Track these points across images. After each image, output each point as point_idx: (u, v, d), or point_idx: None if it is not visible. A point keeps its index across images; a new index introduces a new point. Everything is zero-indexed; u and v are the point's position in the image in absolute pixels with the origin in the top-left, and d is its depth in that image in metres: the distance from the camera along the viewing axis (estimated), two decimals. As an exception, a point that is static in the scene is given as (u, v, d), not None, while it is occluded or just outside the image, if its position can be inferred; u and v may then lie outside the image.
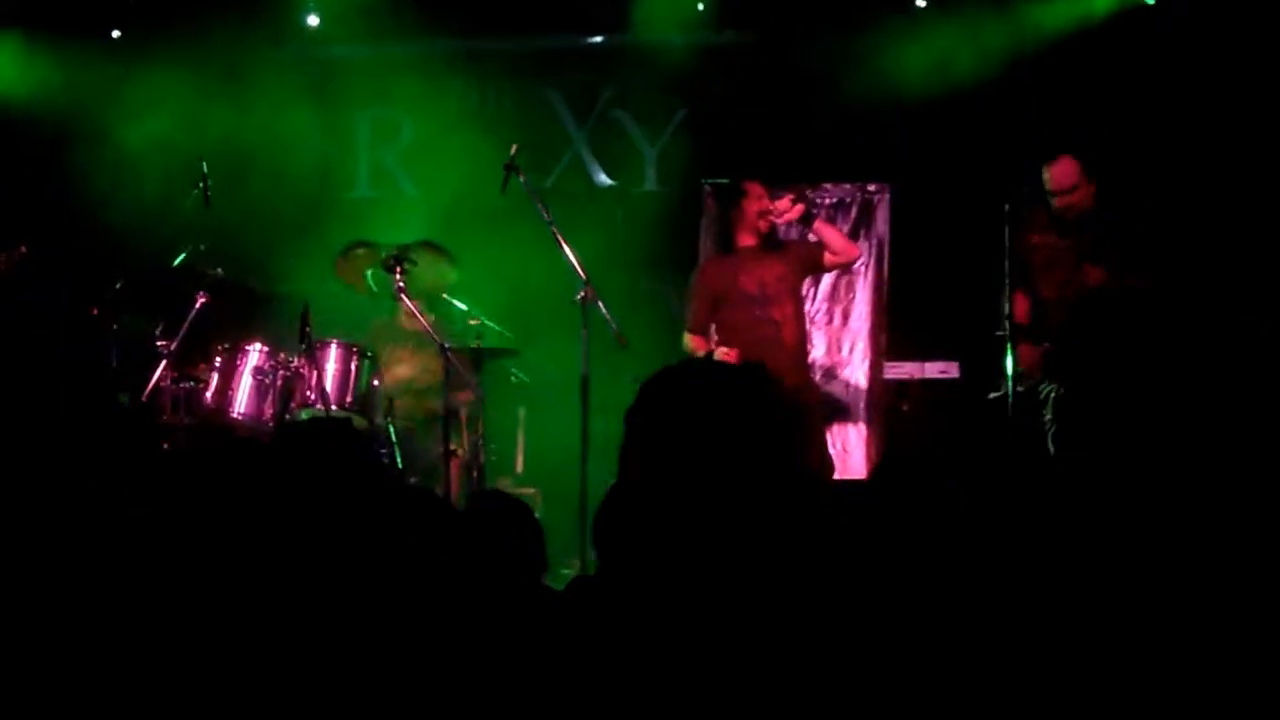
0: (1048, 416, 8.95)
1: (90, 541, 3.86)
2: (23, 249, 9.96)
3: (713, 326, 9.60)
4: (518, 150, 9.59)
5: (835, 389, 11.60)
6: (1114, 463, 8.58)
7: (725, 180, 10.12)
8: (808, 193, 11.62)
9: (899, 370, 11.20)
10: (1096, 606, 4.17)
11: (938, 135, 11.47)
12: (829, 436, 11.06)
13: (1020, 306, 9.06)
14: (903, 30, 11.75)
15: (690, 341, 9.51)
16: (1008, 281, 8.59)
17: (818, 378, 11.20)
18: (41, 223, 10.94)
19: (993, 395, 9.39)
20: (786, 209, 9.36)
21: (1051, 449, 8.88)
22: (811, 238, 9.73)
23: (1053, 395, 8.93)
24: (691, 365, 3.24)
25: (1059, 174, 9.05)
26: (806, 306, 10.78)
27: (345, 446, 3.49)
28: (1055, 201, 9.06)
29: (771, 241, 9.47)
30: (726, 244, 9.50)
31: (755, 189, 9.45)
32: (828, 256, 9.48)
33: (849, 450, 11.43)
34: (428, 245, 9.84)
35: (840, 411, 11.58)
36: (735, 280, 9.30)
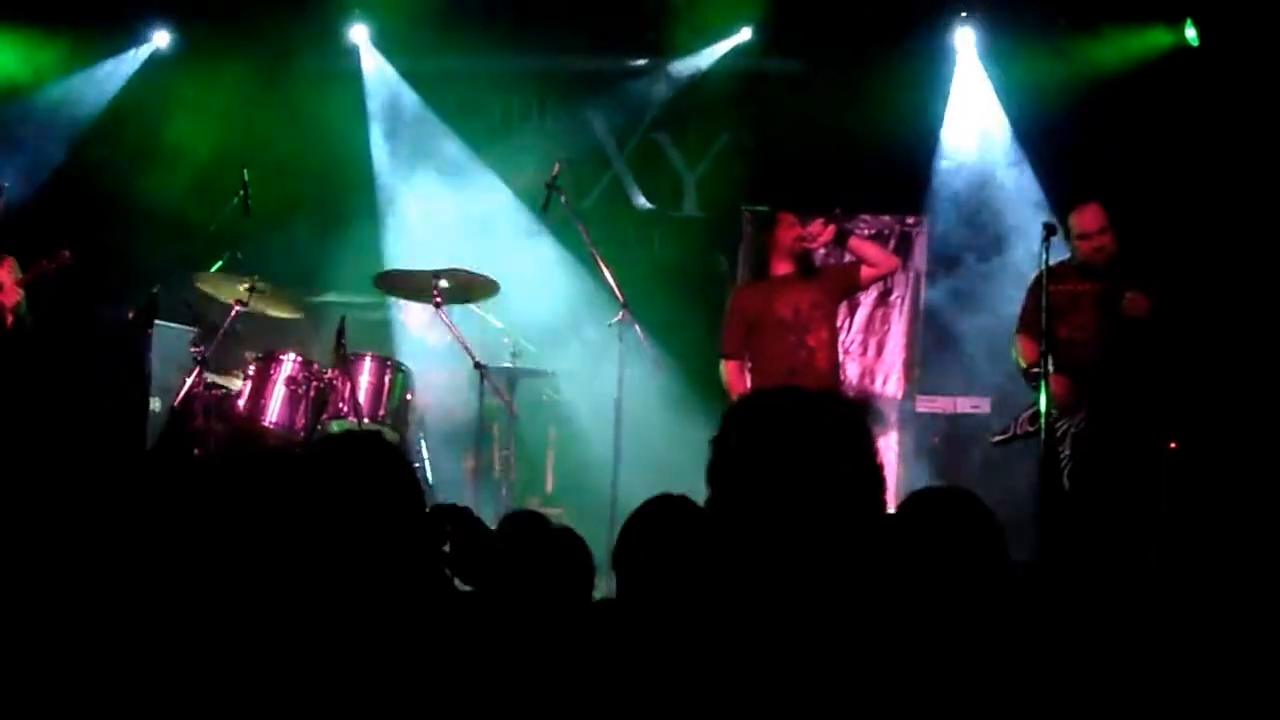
0: (1065, 452, 8.92)
1: (116, 545, 3.87)
2: (65, 254, 10.02)
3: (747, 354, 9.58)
4: (560, 170, 9.59)
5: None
6: (1131, 499, 8.58)
7: (764, 208, 10.09)
8: (845, 224, 11.62)
9: (931, 404, 11.19)
10: (1122, 648, 4.16)
11: (978, 169, 11.49)
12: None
13: (1027, 349, 9.06)
14: (948, 64, 11.78)
15: (727, 368, 9.45)
16: (1042, 320, 8.57)
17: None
18: (80, 227, 10.98)
19: (997, 438, 9.39)
20: (819, 231, 9.32)
21: (1067, 484, 8.85)
22: (847, 257, 9.71)
23: (1071, 431, 8.90)
24: (791, 392, 3.22)
25: (1087, 218, 9.02)
26: (841, 337, 10.78)
27: (382, 461, 3.49)
28: (1082, 245, 9.02)
29: (807, 268, 9.42)
30: (763, 271, 9.46)
31: (787, 217, 9.40)
32: (866, 270, 9.40)
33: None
34: (466, 274, 9.81)
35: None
36: (770, 306, 9.24)
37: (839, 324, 10.08)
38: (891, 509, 3.93)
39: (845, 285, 9.49)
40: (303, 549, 3.38)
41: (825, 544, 2.96)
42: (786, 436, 3.03)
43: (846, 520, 2.98)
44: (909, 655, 3.09)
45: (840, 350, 9.70)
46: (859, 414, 3.14)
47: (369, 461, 3.51)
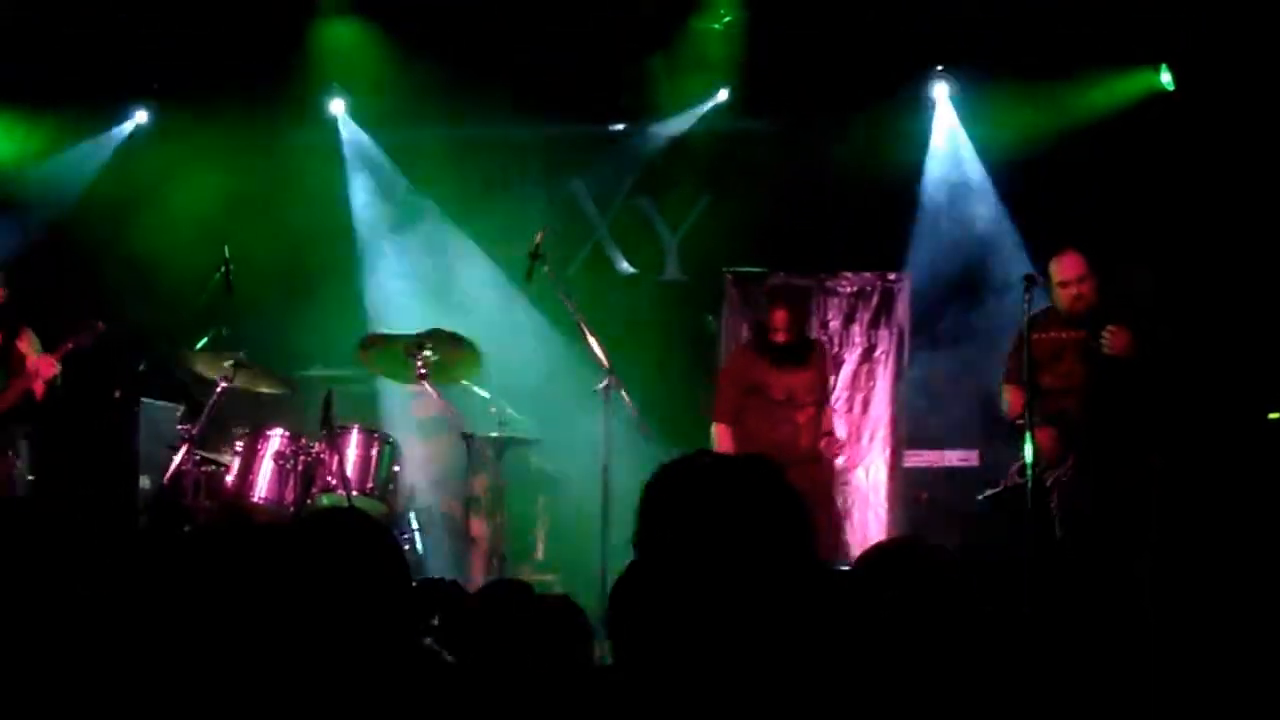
0: (1054, 502, 8.91)
1: (106, 623, 3.86)
2: (99, 324, 10.04)
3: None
4: (542, 238, 9.62)
5: (855, 477, 11.57)
6: (1123, 554, 8.57)
7: (759, 269, 10.15)
8: (827, 282, 11.68)
9: (919, 458, 11.20)
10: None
11: (958, 221, 11.52)
12: (849, 524, 11.06)
13: (1014, 400, 9.06)
14: (926, 118, 11.83)
15: (718, 432, 9.49)
16: (1024, 371, 8.59)
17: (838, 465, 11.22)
18: (65, 304, 10.98)
19: (988, 493, 9.38)
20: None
21: (1059, 533, 8.84)
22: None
23: (1061, 480, 8.89)
24: (695, 459, 3.27)
25: (1066, 266, 9.02)
26: (828, 396, 10.83)
27: (364, 537, 3.49)
28: (1063, 294, 9.02)
29: (806, 340, 9.54)
30: (763, 333, 9.50)
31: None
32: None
33: (869, 539, 11.38)
34: (449, 335, 9.82)
35: (860, 500, 11.55)
36: (765, 382, 9.36)
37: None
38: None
39: (825, 385, 9.66)
40: (287, 627, 3.38)
41: (757, 598, 3.00)
42: (699, 503, 3.09)
43: (773, 573, 3.03)
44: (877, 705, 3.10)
45: (828, 415, 9.72)
46: (772, 472, 3.18)
47: (351, 539, 3.51)
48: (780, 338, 9.40)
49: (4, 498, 9.57)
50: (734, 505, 3.05)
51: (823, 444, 9.49)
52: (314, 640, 3.34)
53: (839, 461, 10.58)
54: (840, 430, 11.25)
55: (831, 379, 10.32)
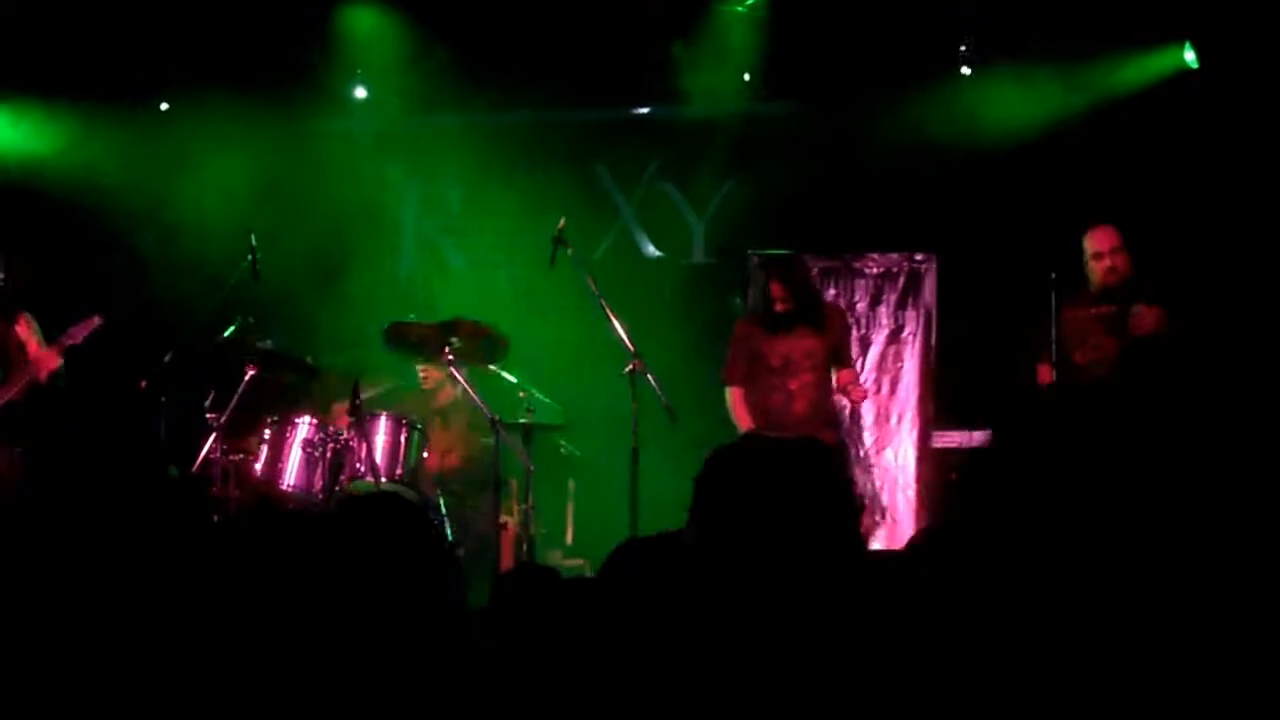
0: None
1: (138, 613, 3.86)
2: (97, 319, 10.00)
3: None
4: (565, 224, 9.62)
5: (884, 459, 11.56)
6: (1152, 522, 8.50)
7: (776, 251, 10.11)
8: (853, 263, 11.66)
9: (947, 439, 11.16)
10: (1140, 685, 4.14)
11: (985, 202, 11.46)
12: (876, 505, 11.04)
13: (1044, 377, 9.03)
14: (949, 98, 11.77)
15: (731, 396, 9.52)
16: (1054, 348, 8.56)
17: (866, 446, 11.20)
18: (91, 295, 10.98)
19: None
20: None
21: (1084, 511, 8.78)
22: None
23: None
24: (747, 444, 3.28)
25: (1100, 238, 9.03)
26: (856, 376, 10.79)
27: (405, 522, 3.48)
28: (1096, 266, 9.02)
29: (811, 309, 9.50)
30: (770, 307, 9.48)
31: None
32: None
33: (899, 520, 11.37)
34: (473, 324, 9.85)
35: (889, 481, 11.53)
36: (762, 350, 9.37)
37: (853, 360, 10.15)
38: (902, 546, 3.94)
39: (835, 349, 9.57)
40: (332, 613, 3.37)
41: (803, 579, 3.01)
42: (757, 487, 3.10)
43: (821, 555, 3.03)
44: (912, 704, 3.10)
45: (829, 389, 9.65)
46: (823, 457, 3.18)
47: (396, 524, 3.50)
48: (779, 308, 9.41)
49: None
50: (787, 491, 3.05)
51: (850, 386, 9.43)
52: (359, 627, 3.33)
53: (863, 405, 10.64)
54: (868, 411, 11.27)
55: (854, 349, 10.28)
